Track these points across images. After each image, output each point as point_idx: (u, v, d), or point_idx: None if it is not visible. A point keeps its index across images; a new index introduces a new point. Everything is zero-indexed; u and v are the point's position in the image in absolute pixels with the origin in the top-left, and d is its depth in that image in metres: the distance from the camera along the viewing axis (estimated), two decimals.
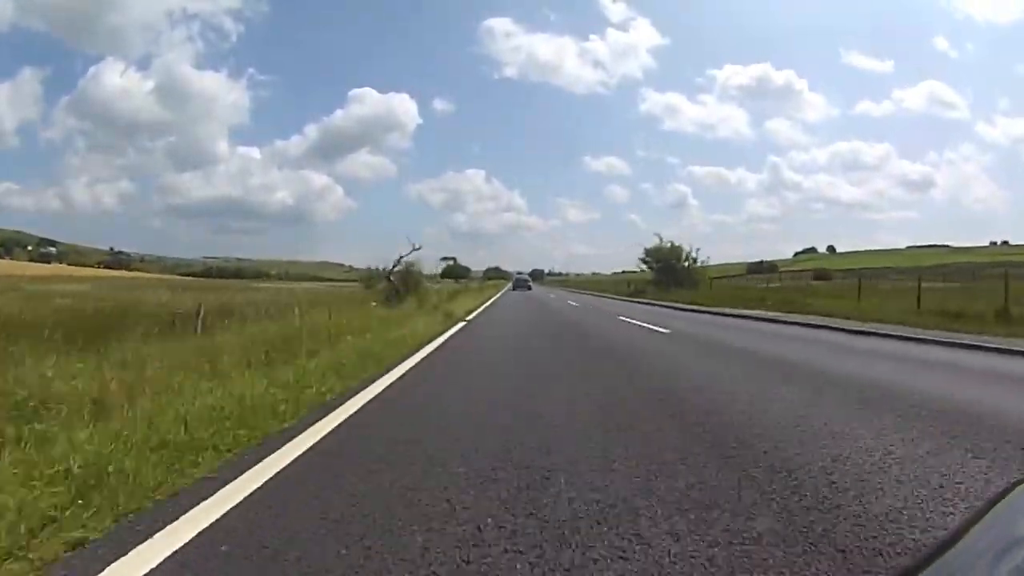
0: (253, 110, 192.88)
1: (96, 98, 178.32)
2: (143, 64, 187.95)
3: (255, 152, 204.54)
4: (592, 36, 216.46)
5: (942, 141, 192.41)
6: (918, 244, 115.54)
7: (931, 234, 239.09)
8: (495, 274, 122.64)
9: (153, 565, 1.58)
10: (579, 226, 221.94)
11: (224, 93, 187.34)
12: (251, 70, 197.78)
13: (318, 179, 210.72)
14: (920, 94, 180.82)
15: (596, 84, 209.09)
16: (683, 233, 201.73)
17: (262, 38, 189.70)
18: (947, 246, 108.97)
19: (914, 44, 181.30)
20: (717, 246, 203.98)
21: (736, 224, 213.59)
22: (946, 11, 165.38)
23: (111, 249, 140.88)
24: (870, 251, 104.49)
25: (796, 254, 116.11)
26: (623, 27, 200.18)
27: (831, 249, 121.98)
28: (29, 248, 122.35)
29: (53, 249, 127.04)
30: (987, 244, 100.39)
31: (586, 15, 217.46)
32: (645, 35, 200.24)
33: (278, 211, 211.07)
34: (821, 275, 42.45)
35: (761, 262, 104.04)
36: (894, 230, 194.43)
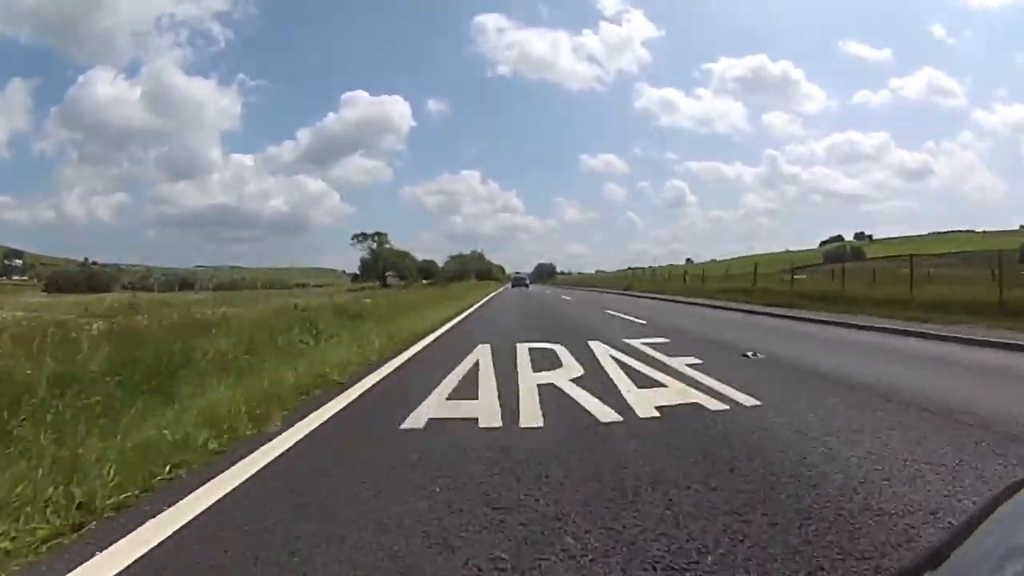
0: (245, 116, 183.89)
1: (84, 107, 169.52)
2: (132, 71, 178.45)
3: (248, 159, 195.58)
4: (585, 30, 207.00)
5: (940, 130, 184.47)
6: (940, 231, 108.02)
7: (930, 222, 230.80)
8: (471, 266, 68.77)
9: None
10: (577, 225, 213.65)
11: (215, 99, 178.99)
12: (241, 75, 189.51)
13: (313, 184, 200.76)
14: (919, 82, 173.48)
15: (591, 80, 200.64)
16: (682, 232, 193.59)
17: (251, 43, 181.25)
18: (972, 231, 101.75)
19: (912, 31, 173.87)
20: (715, 244, 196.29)
21: (734, 220, 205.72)
22: None
23: (85, 260, 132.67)
24: (905, 237, 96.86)
25: (823, 243, 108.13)
26: (616, 20, 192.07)
27: (866, 236, 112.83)
28: None
29: (19, 261, 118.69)
30: (1016, 228, 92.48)
31: (579, 8, 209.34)
32: (639, 27, 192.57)
33: (273, 218, 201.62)
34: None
35: (844, 249, 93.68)
36: (894, 219, 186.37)
